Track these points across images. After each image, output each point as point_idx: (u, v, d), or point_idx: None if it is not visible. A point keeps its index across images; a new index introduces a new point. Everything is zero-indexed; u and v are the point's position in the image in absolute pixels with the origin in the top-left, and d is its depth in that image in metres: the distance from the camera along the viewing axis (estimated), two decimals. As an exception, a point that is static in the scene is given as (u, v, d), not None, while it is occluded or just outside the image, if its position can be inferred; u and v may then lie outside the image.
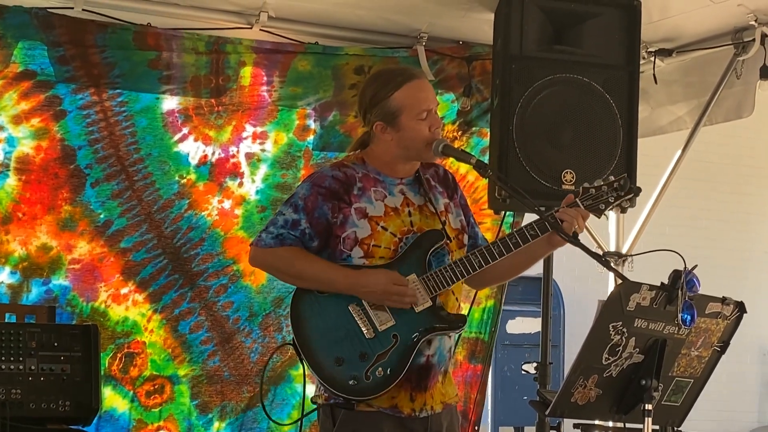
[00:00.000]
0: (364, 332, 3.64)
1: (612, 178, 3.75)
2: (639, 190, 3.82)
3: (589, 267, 4.43)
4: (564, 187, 4.91)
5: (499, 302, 5.81)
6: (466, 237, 3.87)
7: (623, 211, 5.24)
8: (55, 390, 4.36)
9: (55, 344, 4.41)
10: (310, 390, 3.85)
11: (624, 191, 3.74)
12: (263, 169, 5.29)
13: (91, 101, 4.98)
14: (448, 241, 3.77)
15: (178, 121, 5.14)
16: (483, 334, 5.81)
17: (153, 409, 5.18)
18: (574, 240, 3.66)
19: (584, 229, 3.76)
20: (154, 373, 5.16)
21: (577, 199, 3.72)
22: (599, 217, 3.77)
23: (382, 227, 3.70)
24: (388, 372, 3.63)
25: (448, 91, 5.52)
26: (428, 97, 3.78)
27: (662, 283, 3.43)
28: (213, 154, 5.20)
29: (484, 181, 5.43)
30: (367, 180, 3.75)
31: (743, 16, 5.18)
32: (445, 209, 3.85)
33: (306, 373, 3.75)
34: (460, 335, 5.58)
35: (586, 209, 3.71)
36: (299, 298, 3.71)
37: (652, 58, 5.59)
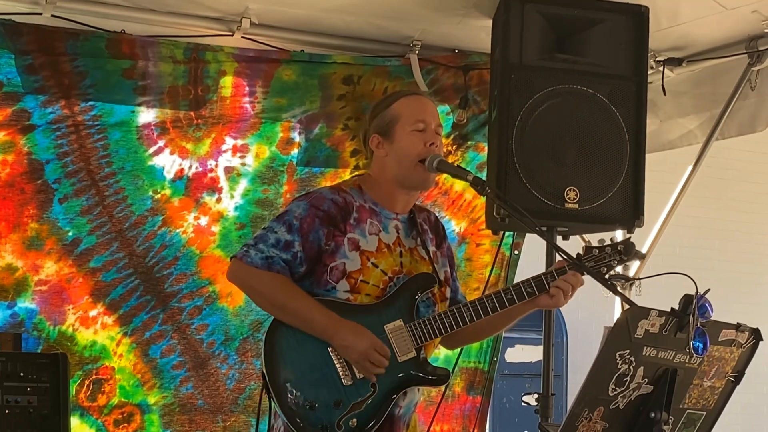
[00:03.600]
0: (342, 378, 3.64)
1: (618, 239, 3.81)
2: (643, 255, 3.88)
3: (594, 291, 4.42)
4: (567, 205, 4.91)
5: (501, 329, 5.79)
6: (448, 290, 3.92)
7: (626, 269, 5.26)
8: (20, 423, 4.36)
9: (21, 374, 4.41)
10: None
11: (628, 256, 3.80)
12: (243, 184, 5.28)
13: (62, 115, 4.95)
14: (440, 286, 3.80)
15: (153, 133, 5.13)
16: (482, 363, 5.80)
17: (121, 439, 5.18)
18: (579, 263, 3.68)
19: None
20: (123, 400, 5.14)
21: (580, 261, 3.77)
22: (597, 279, 3.81)
23: (372, 263, 3.72)
24: (362, 423, 3.63)
25: (442, 103, 5.52)
26: (426, 110, 3.84)
27: (672, 309, 3.43)
28: (190, 167, 5.19)
29: (482, 200, 5.44)
30: (363, 211, 3.78)
31: (758, 23, 5.19)
32: (433, 257, 3.88)
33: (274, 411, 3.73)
34: (457, 365, 5.57)
35: (587, 272, 3.76)
36: (276, 329, 3.70)
37: (661, 68, 5.60)
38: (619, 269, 5.86)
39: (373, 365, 3.62)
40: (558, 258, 3.80)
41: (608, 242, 3.81)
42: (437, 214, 4.32)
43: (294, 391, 3.63)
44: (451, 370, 5.39)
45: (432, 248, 3.90)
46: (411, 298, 3.71)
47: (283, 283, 3.68)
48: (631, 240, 5.14)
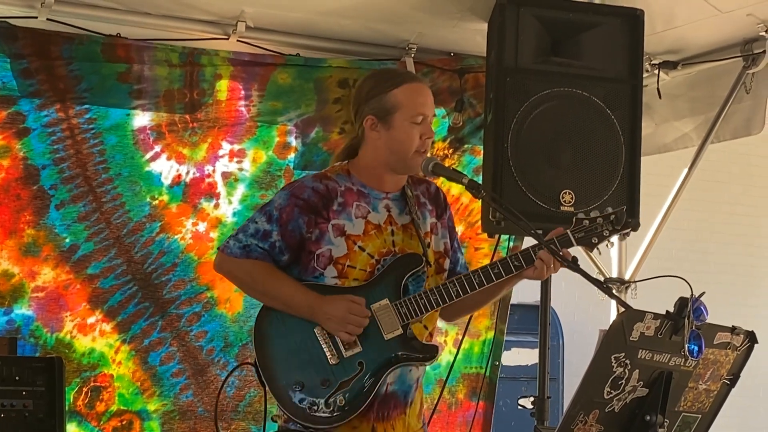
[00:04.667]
0: (329, 357, 3.68)
1: (610, 209, 3.77)
2: (637, 224, 3.82)
3: (590, 294, 4.43)
4: (562, 208, 4.91)
5: (501, 333, 5.80)
6: (447, 262, 3.91)
7: (623, 238, 5.24)
8: (16, 427, 4.37)
9: (17, 378, 4.41)
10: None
11: (620, 225, 3.77)
12: (241, 190, 5.29)
13: (57, 118, 4.97)
14: (428, 266, 3.80)
15: (149, 138, 5.13)
16: (484, 368, 5.79)
17: (120, 447, 5.17)
18: (574, 265, 3.67)
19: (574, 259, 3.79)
20: (122, 408, 5.14)
21: (567, 231, 3.76)
22: (591, 251, 3.81)
23: (359, 247, 3.74)
24: (350, 401, 3.66)
25: (438, 106, 5.51)
26: (427, 103, 3.82)
27: (667, 312, 3.43)
28: (187, 173, 5.20)
29: (479, 203, 5.43)
30: (350, 194, 3.78)
31: (753, 26, 5.20)
32: (431, 230, 3.88)
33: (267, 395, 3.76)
34: (452, 368, 5.58)
35: (578, 242, 3.76)
36: (264, 316, 3.75)
37: (656, 71, 5.61)
38: (614, 274, 5.88)
39: (354, 327, 3.67)
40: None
41: (600, 214, 3.79)
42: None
43: (283, 373, 3.68)
44: (446, 376, 5.41)
45: (432, 219, 3.89)
46: (398, 278, 3.73)
47: (263, 268, 3.74)
48: (626, 237, 5.14)
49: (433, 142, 4.43)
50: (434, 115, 3.87)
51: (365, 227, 3.76)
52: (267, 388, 3.70)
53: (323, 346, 3.69)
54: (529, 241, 5.38)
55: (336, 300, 3.68)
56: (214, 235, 5.24)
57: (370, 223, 3.77)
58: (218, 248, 3.84)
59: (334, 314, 3.67)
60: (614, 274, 5.90)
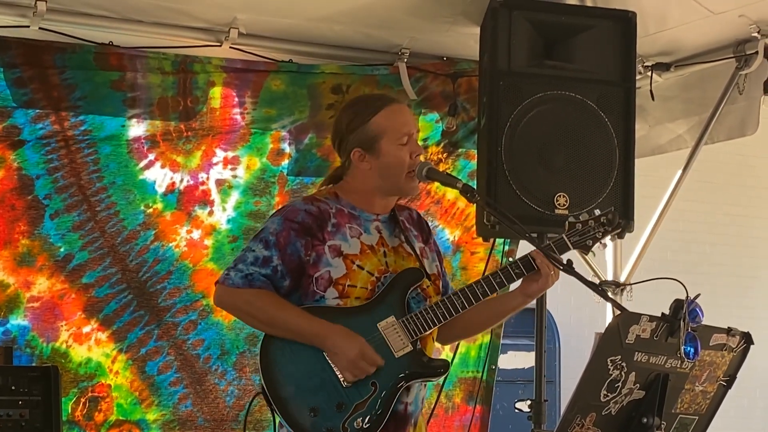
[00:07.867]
0: (342, 380, 3.63)
1: (598, 211, 3.78)
2: (627, 223, 3.84)
3: (585, 297, 4.44)
4: (557, 211, 4.92)
5: (497, 337, 5.80)
6: (441, 284, 3.91)
7: (620, 236, 5.24)
8: (13, 437, 4.35)
9: (13, 388, 4.41)
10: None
11: (612, 226, 3.78)
12: (235, 197, 5.29)
13: (52, 131, 4.96)
14: (428, 280, 3.79)
15: (143, 147, 5.13)
16: (480, 372, 5.79)
17: (120, 457, 5.17)
18: (569, 268, 3.68)
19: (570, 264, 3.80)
20: (121, 418, 5.13)
21: (563, 236, 3.76)
22: (587, 254, 3.83)
23: (357, 266, 3.71)
24: (368, 423, 3.61)
25: (431, 111, 5.53)
26: (409, 121, 3.82)
27: (663, 314, 3.44)
28: (181, 181, 5.20)
29: (475, 208, 5.44)
30: (342, 216, 3.76)
31: (745, 27, 5.21)
32: (421, 254, 3.87)
33: (278, 423, 3.71)
34: (446, 378, 5.58)
35: (573, 246, 3.77)
36: (269, 343, 3.68)
37: (649, 73, 5.61)
38: (609, 277, 5.88)
39: (361, 373, 3.62)
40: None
41: (591, 216, 3.80)
42: (430, 223, 4.31)
43: (295, 400, 3.62)
44: (443, 380, 5.41)
45: (419, 244, 3.88)
46: (401, 294, 3.71)
47: (266, 297, 3.68)
48: (622, 238, 5.13)
49: (426, 150, 4.43)
50: (418, 130, 3.87)
51: (361, 246, 3.74)
52: (279, 416, 3.63)
53: (335, 369, 3.63)
54: (525, 245, 5.41)
55: (350, 337, 3.63)
56: (208, 242, 5.24)
57: (364, 243, 3.75)
58: (217, 282, 3.76)
59: (346, 353, 3.61)
60: (610, 277, 5.89)
